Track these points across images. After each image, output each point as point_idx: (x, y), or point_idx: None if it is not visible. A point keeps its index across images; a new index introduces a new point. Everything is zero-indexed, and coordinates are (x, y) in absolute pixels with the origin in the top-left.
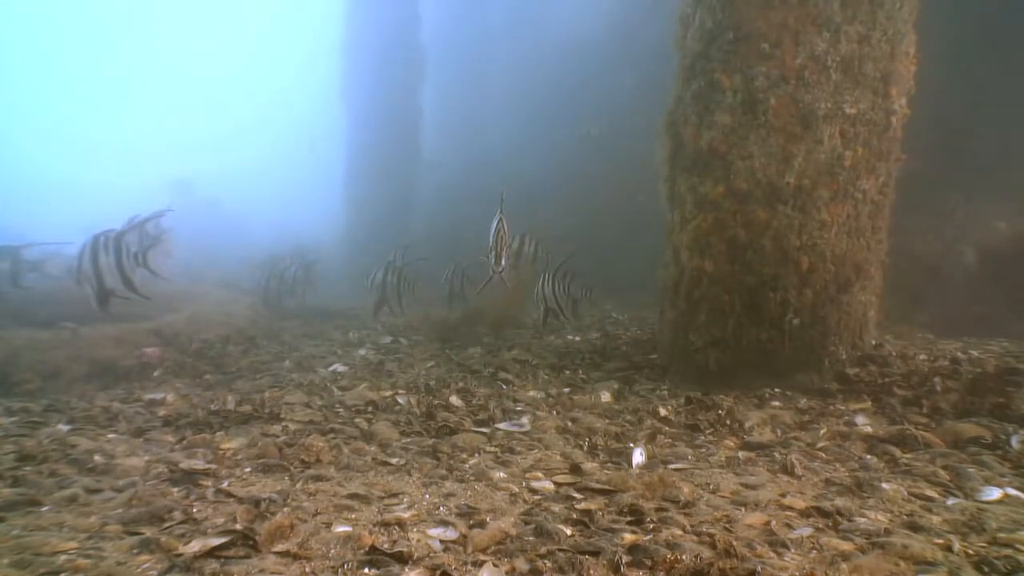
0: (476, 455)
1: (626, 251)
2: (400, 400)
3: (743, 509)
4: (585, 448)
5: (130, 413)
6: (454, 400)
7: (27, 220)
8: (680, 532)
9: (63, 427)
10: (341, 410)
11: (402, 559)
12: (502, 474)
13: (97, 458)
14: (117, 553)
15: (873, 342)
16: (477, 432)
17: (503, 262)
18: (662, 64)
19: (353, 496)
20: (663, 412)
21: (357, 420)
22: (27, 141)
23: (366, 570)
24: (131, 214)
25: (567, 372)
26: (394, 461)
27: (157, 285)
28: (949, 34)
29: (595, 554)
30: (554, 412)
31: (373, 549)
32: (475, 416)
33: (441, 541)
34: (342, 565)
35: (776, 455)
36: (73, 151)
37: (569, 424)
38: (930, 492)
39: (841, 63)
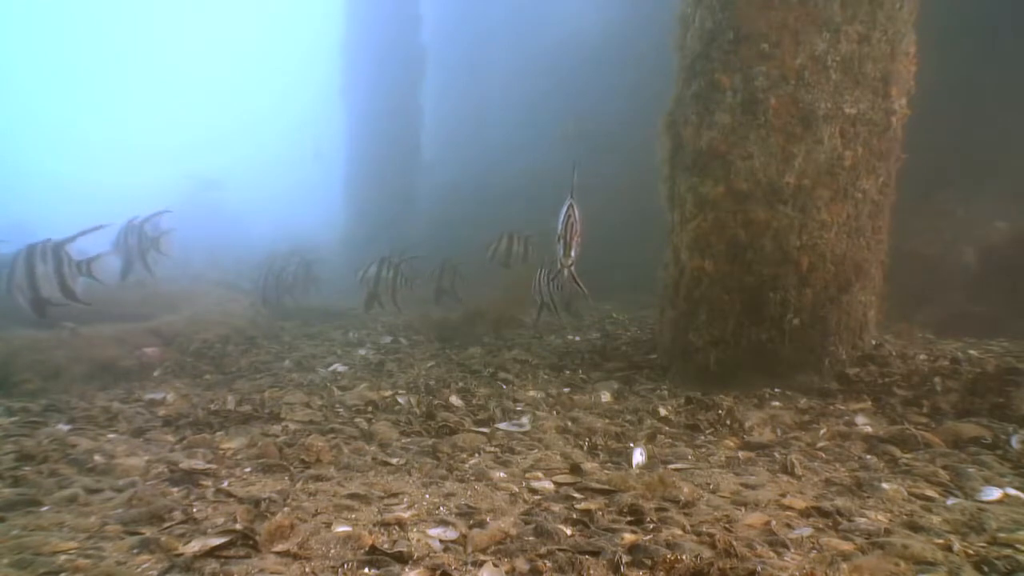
0: (476, 455)
1: (626, 250)
2: (400, 400)
3: (743, 509)
4: (585, 448)
5: (130, 413)
6: (454, 400)
7: (32, 219)
8: (680, 532)
9: (63, 427)
10: (341, 410)
11: (402, 559)
12: (502, 474)
13: (97, 458)
14: (117, 553)
15: (873, 342)
16: (477, 432)
17: (573, 253)
18: (663, 64)
19: (353, 496)
20: (663, 412)
21: (357, 420)
22: (30, 144)
23: (366, 570)
24: (131, 215)
25: (567, 372)
26: (394, 461)
27: (154, 285)
28: (949, 33)
29: (595, 554)
30: (554, 412)
31: (373, 549)
32: (475, 416)
33: (441, 541)
34: (342, 565)
35: (776, 455)
36: (80, 153)
37: (569, 424)
38: (930, 492)
39: (841, 63)
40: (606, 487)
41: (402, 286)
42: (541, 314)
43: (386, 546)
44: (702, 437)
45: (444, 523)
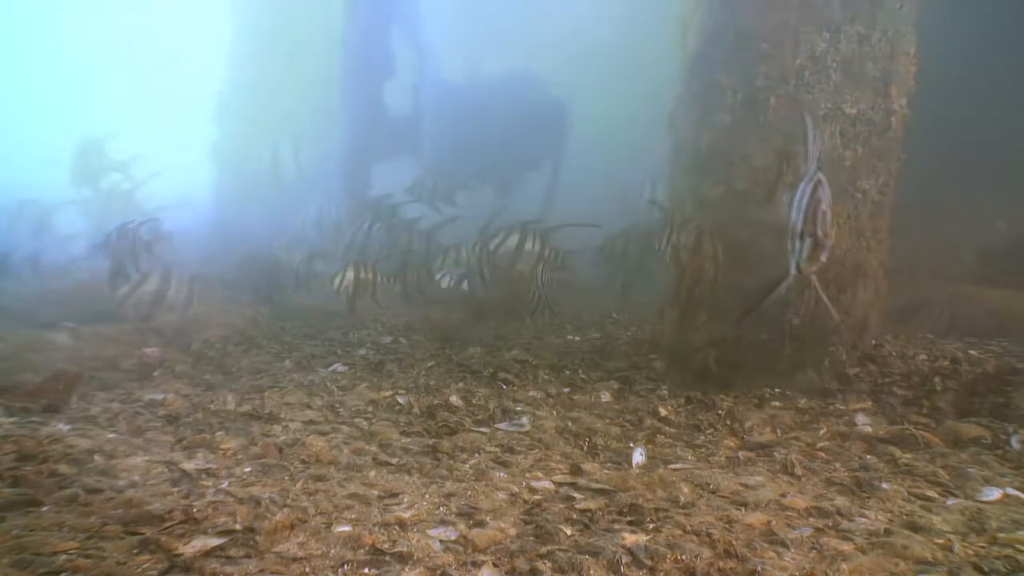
0: (476, 455)
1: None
2: (400, 400)
3: (743, 509)
4: (585, 448)
5: (130, 413)
6: (454, 400)
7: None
8: (680, 532)
9: (63, 427)
10: (341, 410)
11: (402, 559)
12: (502, 474)
13: (97, 458)
14: (117, 553)
15: (873, 342)
16: (477, 432)
17: (825, 252)
18: (663, 64)
19: (353, 496)
20: (663, 412)
21: (357, 420)
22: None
23: (366, 570)
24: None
25: (567, 372)
26: (394, 461)
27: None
28: (950, 32)
29: (595, 554)
30: (554, 412)
31: (373, 549)
32: (475, 416)
33: (441, 541)
34: (342, 565)
35: (776, 455)
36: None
37: (569, 424)
38: (930, 492)
39: (841, 63)
40: (606, 487)
41: (385, 283)
42: (537, 311)
43: (386, 546)
44: (702, 437)
45: (444, 523)
